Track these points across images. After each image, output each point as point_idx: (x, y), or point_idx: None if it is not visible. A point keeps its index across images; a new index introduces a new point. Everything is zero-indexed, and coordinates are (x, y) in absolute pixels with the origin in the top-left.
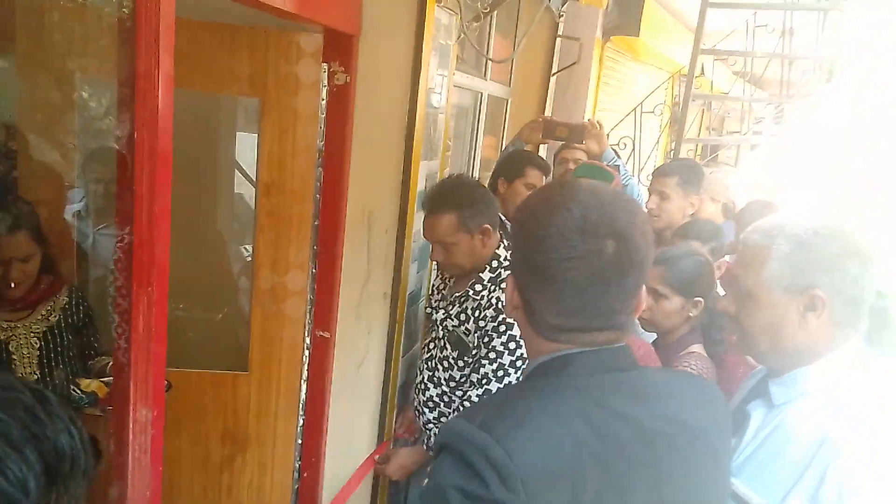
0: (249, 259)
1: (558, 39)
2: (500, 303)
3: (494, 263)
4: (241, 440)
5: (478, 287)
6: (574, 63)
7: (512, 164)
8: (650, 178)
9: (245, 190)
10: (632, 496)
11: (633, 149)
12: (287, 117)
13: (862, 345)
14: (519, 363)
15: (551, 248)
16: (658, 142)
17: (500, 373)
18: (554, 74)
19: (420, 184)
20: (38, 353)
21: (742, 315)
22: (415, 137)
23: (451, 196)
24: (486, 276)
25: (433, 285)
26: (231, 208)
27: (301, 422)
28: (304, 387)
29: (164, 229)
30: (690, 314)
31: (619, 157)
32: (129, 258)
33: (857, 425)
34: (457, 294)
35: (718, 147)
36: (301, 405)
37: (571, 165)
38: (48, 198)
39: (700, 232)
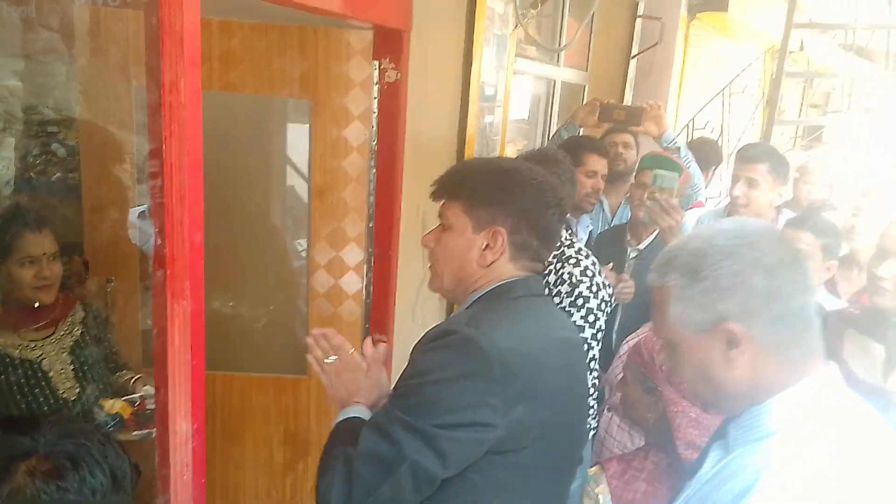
0: (304, 254)
1: (638, 20)
2: (572, 277)
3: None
4: (302, 443)
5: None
6: (656, 44)
7: (570, 152)
8: (732, 161)
9: (296, 182)
10: (563, 385)
11: (721, 132)
12: (339, 117)
13: (834, 371)
14: (599, 335)
15: (549, 201)
16: (752, 123)
17: (584, 347)
18: (634, 57)
19: None
20: (71, 367)
21: (674, 368)
22: (468, 132)
23: (539, 161)
24: None
25: None
26: (284, 202)
27: None
28: None
29: (197, 241)
30: None
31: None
32: (163, 271)
33: (782, 475)
34: None
35: (820, 126)
36: None
37: (620, 149)
38: (111, 198)
39: (817, 224)
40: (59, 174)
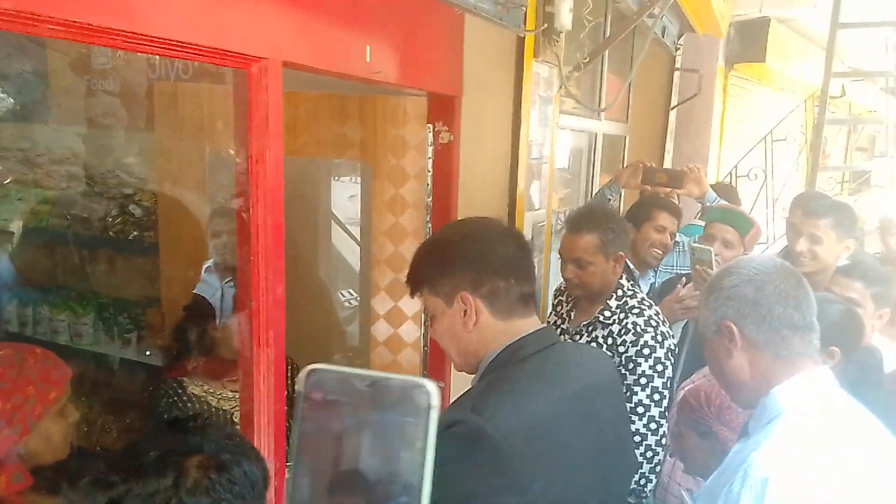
0: (347, 304)
1: (676, 72)
2: (636, 327)
3: (619, 292)
4: None
5: (607, 314)
6: (694, 95)
7: (640, 208)
8: (788, 210)
9: (340, 236)
10: (586, 440)
11: (765, 179)
12: (396, 177)
13: (826, 371)
14: (669, 384)
15: (484, 238)
16: (796, 169)
17: (657, 396)
18: (673, 108)
19: (527, 234)
20: None
21: (710, 367)
22: (518, 190)
23: (596, 218)
24: (613, 303)
25: (548, 322)
26: (330, 257)
27: None
28: None
29: (279, 294)
30: (827, 364)
31: (720, 198)
32: (248, 322)
33: (773, 453)
34: (584, 323)
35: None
36: None
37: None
38: (185, 255)
39: (867, 273)
40: (135, 233)
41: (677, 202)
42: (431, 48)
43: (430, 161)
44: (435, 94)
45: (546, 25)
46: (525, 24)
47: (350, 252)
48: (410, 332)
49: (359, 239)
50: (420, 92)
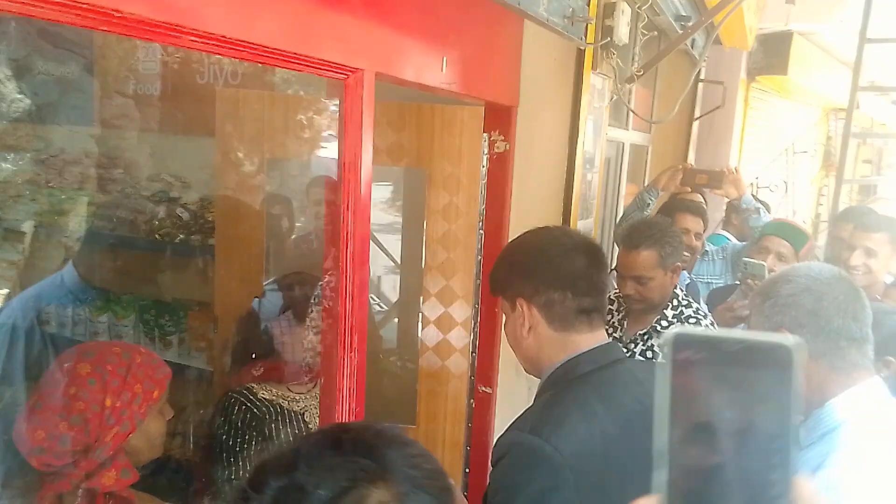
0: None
1: (700, 84)
2: None
3: (675, 301)
4: None
5: (664, 323)
6: (718, 107)
7: (665, 210)
8: (835, 224)
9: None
10: (643, 464)
11: (786, 190)
12: (451, 185)
13: (880, 382)
14: None
15: (553, 248)
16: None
17: None
18: (697, 119)
19: None
20: None
21: None
22: (573, 200)
23: (653, 233)
24: (669, 312)
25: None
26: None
27: (465, 475)
28: (467, 440)
29: (364, 300)
30: (880, 374)
31: (758, 200)
32: (335, 327)
33: (841, 461)
34: (640, 332)
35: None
36: (465, 459)
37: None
38: (240, 261)
39: None
40: (182, 236)
41: (705, 204)
42: (493, 59)
43: (485, 170)
44: (492, 103)
45: (608, 39)
46: (585, 36)
47: (372, 259)
48: (459, 337)
49: (387, 245)
50: (477, 101)
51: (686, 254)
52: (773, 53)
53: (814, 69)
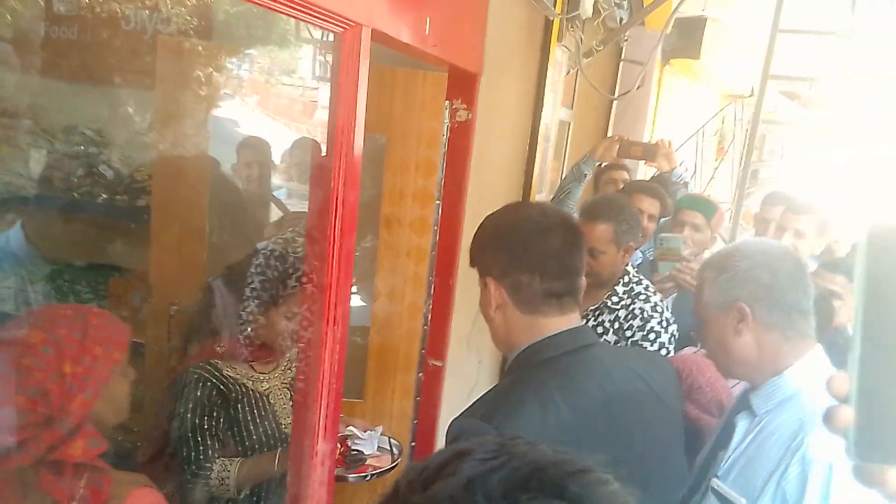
0: None
1: (621, 63)
2: (643, 313)
3: (626, 278)
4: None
5: (615, 299)
6: (639, 86)
7: (624, 190)
8: (761, 206)
9: None
10: (613, 454)
11: (694, 173)
12: (410, 153)
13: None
14: None
15: (526, 228)
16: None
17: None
18: (618, 97)
19: None
20: (290, 402)
21: (702, 339)
22: (534, 173)
23: (611, 208)
24: (620, 289)
25: None
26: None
27: (412, 448)
28: (415, 414)
29: (349, 270)
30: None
31: (684, 176)
32: (320, 299)
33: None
34: (591, 308)
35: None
36: (412, 432)
37: (621, 185)
38: (180, 226)
39: (849, 269)
40: (105, 196)
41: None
42: (462, 23)
43: (446, 139)
44: (456, 68)
45: (576, 11)
46: (555, 6)
47: None
48: (412, 310)
49: None
50: (442, 67)
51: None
52: (687, 37)
53: (721, 55)
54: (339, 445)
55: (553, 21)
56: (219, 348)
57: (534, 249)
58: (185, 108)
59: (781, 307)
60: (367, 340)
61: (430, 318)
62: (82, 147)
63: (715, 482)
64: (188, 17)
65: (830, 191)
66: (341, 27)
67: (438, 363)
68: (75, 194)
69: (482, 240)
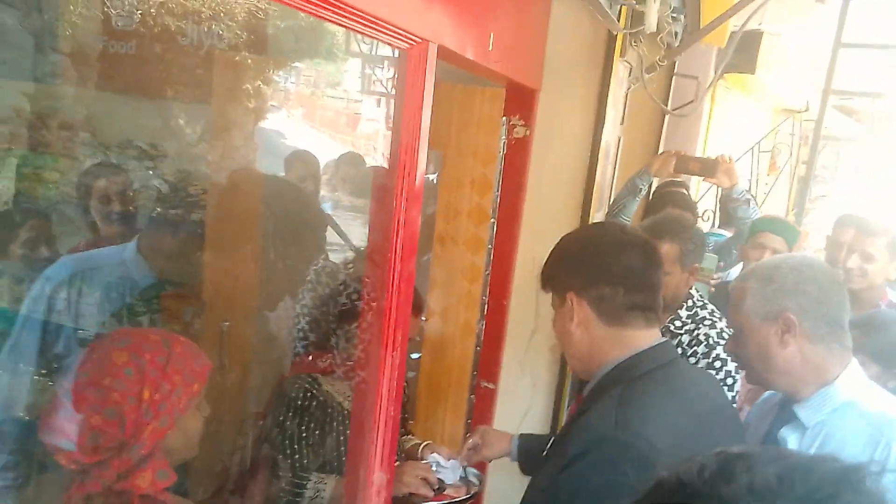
0: None
1: (674, 77)
2: (709, 339)
3: (689, 302)
4: None
5: (677, 323)
6: (692, 101)
7: (654, 203)
8: (834, 227)
9: None
10: None
11: (750, 188)
12: (465, 170)
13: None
14: (736, 397)
15: (607, 243)
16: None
17: (730, 406)
18: (672, 111)
19: None
20: None
21: (738, 348)
22: (594, 190)
23: (678, 228)
24: (683, 313)
25: None
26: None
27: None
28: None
29: (409, 293)
30: (889, 385)
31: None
32: (378, 323)
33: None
34: None
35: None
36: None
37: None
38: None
39: None
40: (158, 209)
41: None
42: (521, 37)
43: (502, 155)
44: (514, 84)
45: (641, 26)
46: (619, 20)
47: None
48: (464, 330)
49: None
50: (500, 82)
51: None
52: (742, 51)
53: (776, 70)
54: None
55: (616, 36)
56: (320, 363)
57: (616, 263)
58: (237, 120)
59: (827, 320)
60: (419, 359)
61: (482, 338)
62: (137, 160)
63: None
64: (238, 32)
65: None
66: (409, 43)
67: (491, 385)
68: (130, 208)
69: (562, 256)
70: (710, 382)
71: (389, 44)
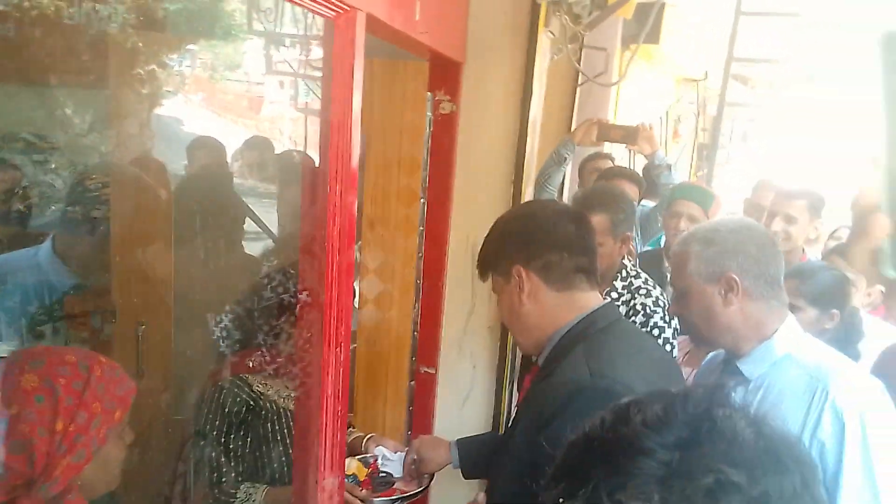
0: None
1: (583, 49)
2: (646, 308)
3: (623, 273)
4: None
5: (613, 295)
6: (601, 73)
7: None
8: (753, 191)
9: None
10: None
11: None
12: (391, 149)
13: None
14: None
15: (542, 215)
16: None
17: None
18: (582, 84)
19: None
20: None
21: (682, 310)
22: (525, 166)
23: (606, 198)
24: (618, 283)
25: None
26: None
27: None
28: (408, 424)
29: (350, 284)
30: (826, 326)
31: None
32: (319, 319)
33: (838, 365)
34: None
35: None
36: (406, 443)
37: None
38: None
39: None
40: (53, 207)
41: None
42: (442, 7)
43: (429, 132)
44: (438, 56)
45: None
46: None
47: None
48: (400, 316)
49: None
50: (423, 55)
51: None
52: (646, 22)
53: (678, 40)
54: (366, 467)
55: (539, 5)
56: (249, 362)
57: (555, 231)
58: (131, 107)
59: (766, 278)
60: (354, 346)
61: (419, 322)
62: (24, 154)
63: None
64: (127, 14)
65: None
66: (334, 10)
67: (430, 370)
68: (21, 207)
69: (501, 235)
70: (652, 338)
71: (314, 11)
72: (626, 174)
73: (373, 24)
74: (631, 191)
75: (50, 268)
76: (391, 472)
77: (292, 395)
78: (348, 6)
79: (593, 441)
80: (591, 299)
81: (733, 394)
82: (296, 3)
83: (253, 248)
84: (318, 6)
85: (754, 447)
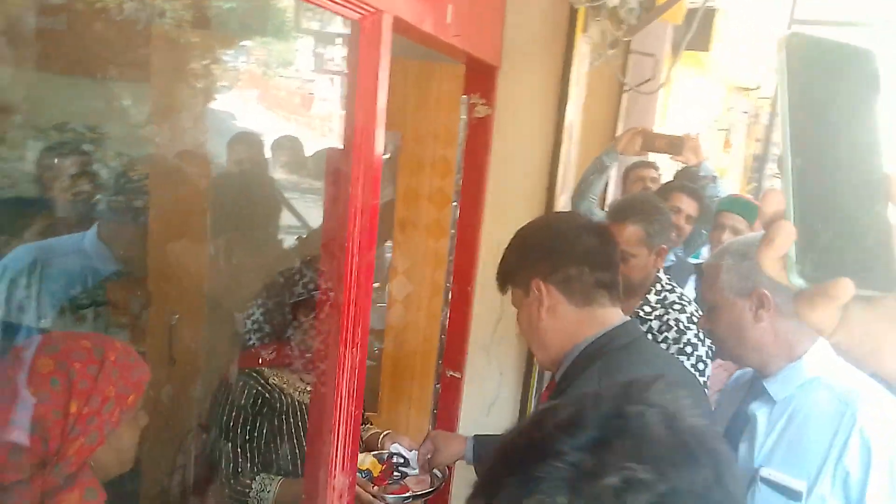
0: None
1: (630, 55)
2: (679, 324)
3: (658, 286)
4: None
5: (647, 308)
6: (649, 79)
7: (662, 189)
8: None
9: None
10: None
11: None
12: (425, 151)
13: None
14: (707, 383)
15: (563, 228)
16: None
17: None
18: (629, 90)
19: None
20: None
21: (711, 325)
22: (558, 172)
23: (642, 208)
24: (652, 297)
25: None
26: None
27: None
28: (432, 427)
29: (370, 285)
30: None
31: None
32: (335, 319)
33: (869, 392)
34: None
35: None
36: None
37: (649, 183)
38: (180, 230)
39: None
40: (99, 197)
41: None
42: (479, 11)
43: (463, 136)
44: (474, 60)
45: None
46: None
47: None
48: (428, 318)
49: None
50: (459, 59)
51: (675, 234)
52: (697, 29)
53: (730, 48)
54: (381, 463)
55: (577, 10)
56: (265, 354)
57: (577, 244)
58: (184, 101)
59: None
60: (381, 346)
61: (447, 326)
62: (72, 144)
63: (766, 471)
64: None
65: None
66: (360, 13)
67: (456, 374)
68: (70, 195)
69: (521, 247)
70: (674, 358)
71: (340, 13)
72: (686, 188)
73: (401, 26)
74: (690, 206)
75: (94, 253)
76: (406, 470)
77: (308, 388)
78: (374, 8)
79: (507, 449)
80: (613, 315)
81: (651, 389)
82: (321, 4)
83: (294, 243)
84: (344, 8)
85: (665, 443)
